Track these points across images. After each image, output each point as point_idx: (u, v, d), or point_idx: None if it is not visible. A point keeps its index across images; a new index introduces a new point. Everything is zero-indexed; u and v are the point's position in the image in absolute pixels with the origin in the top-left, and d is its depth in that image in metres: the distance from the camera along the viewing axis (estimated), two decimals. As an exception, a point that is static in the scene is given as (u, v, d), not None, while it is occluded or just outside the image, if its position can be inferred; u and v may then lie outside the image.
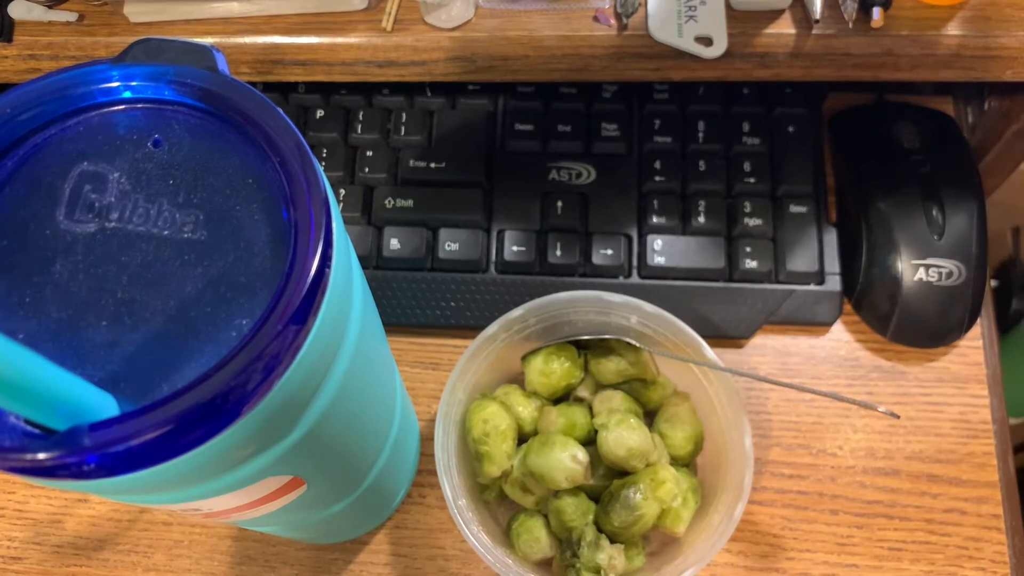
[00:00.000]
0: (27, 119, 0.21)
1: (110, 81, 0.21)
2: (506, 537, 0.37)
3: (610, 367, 0.38)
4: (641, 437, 0.35)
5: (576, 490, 0.36)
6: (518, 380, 0.39)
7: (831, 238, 0.43)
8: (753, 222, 0.43)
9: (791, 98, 0.45)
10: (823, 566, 0.38)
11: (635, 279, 0.43)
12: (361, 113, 0.45)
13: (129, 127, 0.21)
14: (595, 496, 0.36)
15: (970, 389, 0.41)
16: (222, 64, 0.22)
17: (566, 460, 0.34)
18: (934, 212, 0.41)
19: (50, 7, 0.40)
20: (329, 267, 0.19)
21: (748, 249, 0.42)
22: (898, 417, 0.34)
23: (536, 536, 0.36)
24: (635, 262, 0.43)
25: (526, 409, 0.37)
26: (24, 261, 0.20)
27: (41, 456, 0.17)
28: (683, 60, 0.39)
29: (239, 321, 0.19)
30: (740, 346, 0.42)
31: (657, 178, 0.44)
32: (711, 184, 0.44)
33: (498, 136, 0.45)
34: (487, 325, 0.37)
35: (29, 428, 0.18)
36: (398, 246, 0.43)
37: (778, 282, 0.42)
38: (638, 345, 0.38)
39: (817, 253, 0.42)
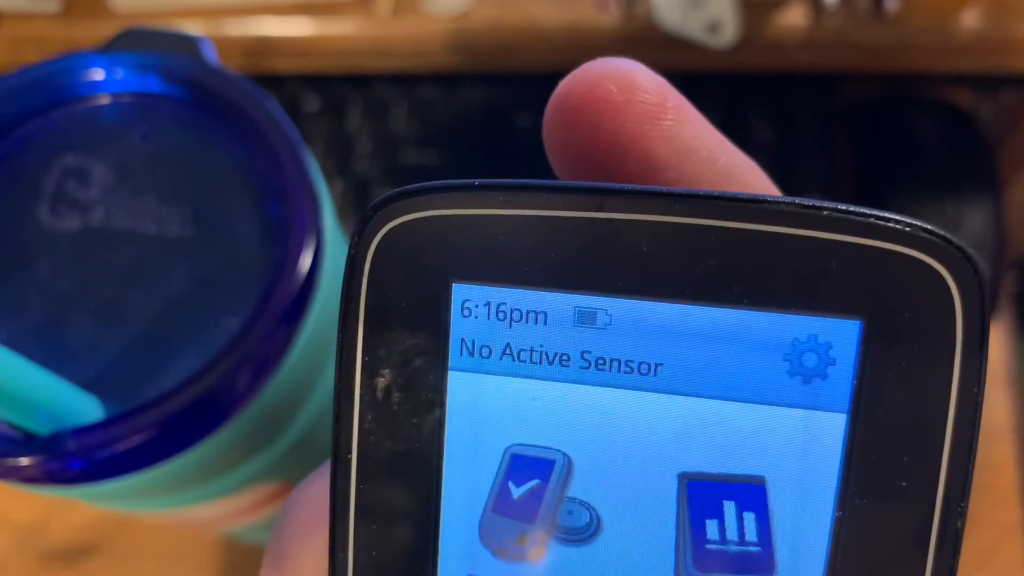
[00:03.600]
0: (9, 112, 0.20)
1: (95, 73, 0.20)
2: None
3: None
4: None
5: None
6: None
7: (841, 232, 0.42)
8: (761, 216, 0.42)
9: (802, 89, 0.44)
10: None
11: (640, 274, 0.42)
12: (355, 104, 0.45)
13: (114, 120, 0.20)
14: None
15: (987, 390, 0.40)
16: (211, 54, 0.21)
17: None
18: (949, 207, 0.40)
19: (39, -3, 0.39)
20: (321, 264, 0.18)
21: (756, 243, 0.41)
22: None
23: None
24: (640, 257, 0.42)
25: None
26: (6, 258, 0.19)
27: (23, 461, 0.17)
28: (690, 49, 0.38)
29: (227, 321, 0.18)
30: (747, 343, 0.42)
31: (663, 171, 0.43)
32: (718, 177, 0.43)
33: (497, 128, 0.45)
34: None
35: (11, 432, 0.18)
36: (397, 241, 0.42)
37: (787, 277, 0.41)
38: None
39: (827, 248, 0.41)
